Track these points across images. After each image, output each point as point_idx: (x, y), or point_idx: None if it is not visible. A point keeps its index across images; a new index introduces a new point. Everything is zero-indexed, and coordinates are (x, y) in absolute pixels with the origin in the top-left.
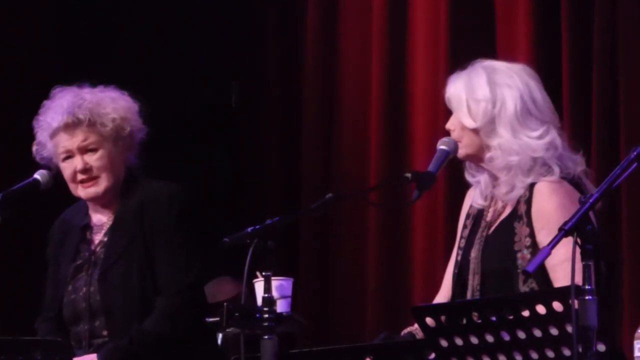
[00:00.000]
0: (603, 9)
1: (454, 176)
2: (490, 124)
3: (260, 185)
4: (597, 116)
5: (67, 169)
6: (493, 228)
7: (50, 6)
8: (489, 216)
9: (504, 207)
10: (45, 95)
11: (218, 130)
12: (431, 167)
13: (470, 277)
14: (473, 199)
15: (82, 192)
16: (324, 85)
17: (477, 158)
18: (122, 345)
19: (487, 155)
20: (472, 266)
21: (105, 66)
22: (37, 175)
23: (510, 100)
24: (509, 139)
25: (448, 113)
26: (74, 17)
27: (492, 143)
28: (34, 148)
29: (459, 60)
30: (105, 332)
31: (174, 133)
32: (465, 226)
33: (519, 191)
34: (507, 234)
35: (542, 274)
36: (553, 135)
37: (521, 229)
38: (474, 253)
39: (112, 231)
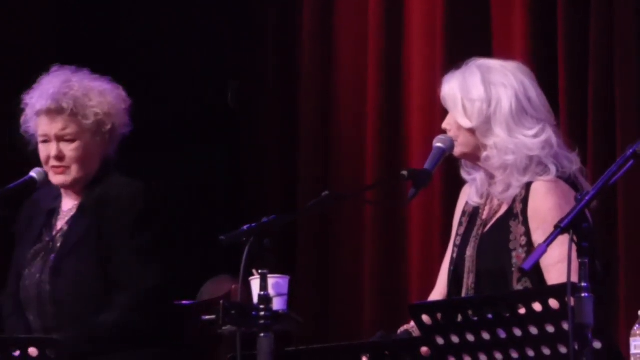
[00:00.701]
0: (599, 7)
1: (450, 174)
2: (486, 123)
3: (259, 185)
4: (593, 114)
5: (43, 152)
6: (489, 226)
7: (49, 6)
8: (484, 214)
9: (499, 206)
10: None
11: (216, 130)
12: (427, 165)
13: (465, 275)
14: (469, 196)
15: (52, 177)
16: (321, 85)
17: (474, 157)
18: (82, 334)
19: (484, 154)
20: (467, 264)
21: (104, 66)
22: (33, 174)
23: (506, 100)
24: (505, 138)
25: (444, 112)
26: (73, 17)
27: (488, 142)
28: (22, 119)
29: (455, 59)
30: (54, 323)
31: (173, 133)
32: (460, 223)
33: (515, 190)
34: (502, 233)
35: (537, 273)
36: (549, 134)
37: (517, 228)
38: (469, 251)
39: (72, 220)
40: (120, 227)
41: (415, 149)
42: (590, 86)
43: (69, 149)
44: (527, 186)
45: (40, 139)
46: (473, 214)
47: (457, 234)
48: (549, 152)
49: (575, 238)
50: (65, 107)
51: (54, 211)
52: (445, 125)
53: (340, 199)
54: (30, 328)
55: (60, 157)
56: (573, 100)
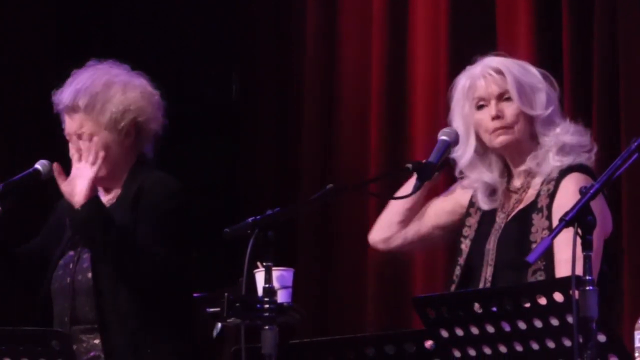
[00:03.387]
0: (603, 3)
1: (454, 167)
2: (551, 112)
3: (260, 179)
4: (598, 110)
5: (70, 148)
6: (510, 218)
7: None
8: (505, 207)
9: (521, 198)
10: (44, 85)
11: (217, 123)
12: (432, 158)
13: (484, 268)
14: (480, 202)
15: None
16: (324, 79)
17: (520, 145)
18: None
19: (534, 143)
20: (485, 257)
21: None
22: (37, 165)
23: (553, 91)
24: (565, 123)
25: (448, 105)
26: (72, 10)
27: (545, 131)
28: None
29: (460, 55)
30: (88, 312)
31: (173, 126)
32: (469, 214)
33: (548, 168)
34: (524, 225)
35: (552, 268)
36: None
37: (540, 221)
38: (489, 245)
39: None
40: (150, 218)
41: (419, 143)
42: (594, 82)
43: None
44: (557, 181)
45: (68, 138)
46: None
47: (464, 225)
48: (587, 137)
49: (579, 231)
50: (80, 105)
51: None
52: (497, 112)
53: (344, 191)
54: (53, 318)
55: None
56: (577, 96)
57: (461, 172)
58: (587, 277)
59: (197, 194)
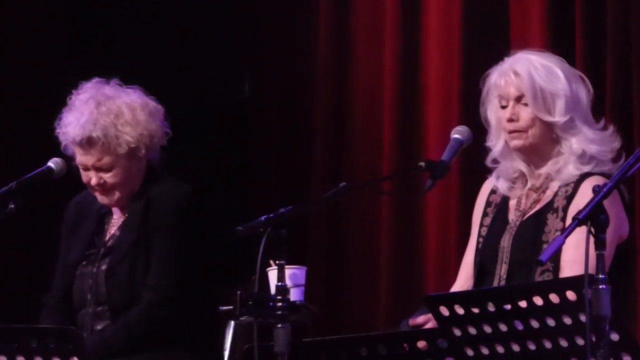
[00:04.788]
0: (616, 1)
1: (467, 166)
2: (570, 118)
3: (270, 177)
4: (611, 105)
5: (84, 177)
6: (526, 217)
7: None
8: (521, 205)
9: (539, 198)
10: (52, 81)
11: (227, 121)
12: (445, 156)
13: (498, 266)
14: (498, 185)
15: (97, 197)
16: (336, 75)
17: (537, 148)
18: (103, 338)
19: (557, 146)
20: (500, 255)
21: (111, 58)
22: (50, 164)
23: (583, 93)
24: (589, 131)
25: (462, 103)
26: (81, 9)
27: (567, 136)
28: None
29: (473, 50)
30: (107, 319)
31: (182, 125)
32: (486, 214)
33: (566, 176)
34: (539, 224)
35: (559, 267)
36: (612, 129)
37: (554, 222)
38: (504, 242)
39: (123, 227)
40: (161, 227)
41: (432, 141)
42: (608, 77)
43: (107, 177)
44: (577, 183)
45: (79, 166)
46: (501, 205)
47: (482, 225)
48: (618, 144)
49: (592, 230)
50: (96, 139)
51: (105, 216)
52: (511, 115)
53: (357, 190)
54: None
55: (100, 183)
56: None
57: (494, 160)
58: (600, 276)
59: (206, 193)
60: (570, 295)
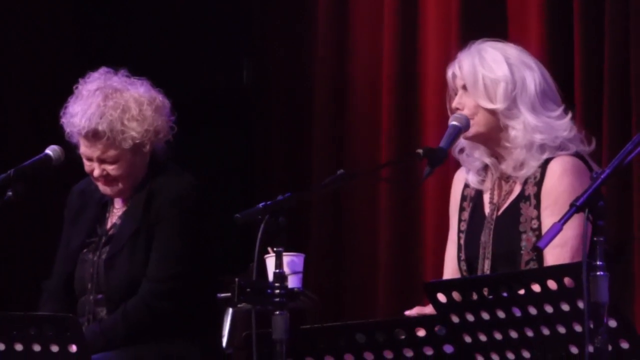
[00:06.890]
0: (614, 1)
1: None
2: (512, 104)
3: (271, 166)
4: (609, 100)
5: (87, 167)
6: (502, 210)
7: None
8: (495, 198)
9: (511, 188)
10: (59, 73)
11: (228, 110)
12: (443, 143)
13: (480, 262)
14: (469, 180)
15: (100, 187)
16: (336, 65)
17: (487, 137)
18: (103, 328)
19: (505, 134)
20: (481, 251)
21: (117, 50)
22: (48, 151)
23: (530, 80)
24: (532, 118)
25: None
26: (88, 2)
27: (511, 123)
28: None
29: (471, 36)
30: (105, 307)
31: (186, 115)
32: (462, 208)
33: (531, 169)
34: (513, 216)
35: (542, 256)
36: (569, 116)
37: (527, 210)
38: (483, 237)
39: (125, 216)
40: (163, 219)
41: (430, 129)
42: (605, 73)
43: (111, 169)
44: (543, 167)
45: (83, 156)
46: (477, 198)
47: (460, 219)
48: (569, 133)
49: (590, 217)
50: (101, 132)
51: (107, 205)
52: (456, 104)
53: (356, 177)
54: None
55: (104, 175)
56: (588, 87)
57: (461, 150)
58: (598, 262)
59: (208, 181)
60: (568, 282)
